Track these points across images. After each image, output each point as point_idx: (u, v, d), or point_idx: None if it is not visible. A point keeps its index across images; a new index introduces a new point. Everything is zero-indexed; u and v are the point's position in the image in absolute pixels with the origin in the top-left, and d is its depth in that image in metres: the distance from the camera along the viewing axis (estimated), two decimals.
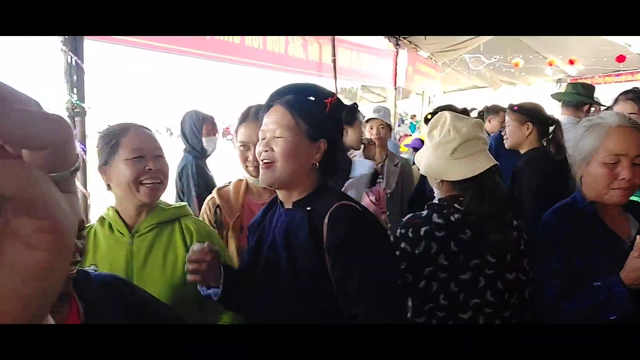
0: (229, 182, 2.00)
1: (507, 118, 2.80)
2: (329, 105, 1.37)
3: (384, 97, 8.26)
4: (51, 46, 2.21)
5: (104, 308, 1.16)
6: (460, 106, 3.33)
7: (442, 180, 1.66)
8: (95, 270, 1.24)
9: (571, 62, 10.09)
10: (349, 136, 2.79)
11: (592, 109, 3.88)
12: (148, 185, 1.53)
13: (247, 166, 1.85)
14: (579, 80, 8.99)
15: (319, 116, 1.35)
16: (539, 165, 2.56)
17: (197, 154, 3.33)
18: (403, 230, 1.63)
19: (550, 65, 10.23)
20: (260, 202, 1.90)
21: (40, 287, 0.38)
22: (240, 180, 1.96)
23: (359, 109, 1.63)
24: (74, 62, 2.20)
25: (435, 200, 1.69)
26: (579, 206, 1.55)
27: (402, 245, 1.59)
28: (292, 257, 1.29)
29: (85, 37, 2.27)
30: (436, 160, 1.66)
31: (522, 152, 2.75)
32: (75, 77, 2.23)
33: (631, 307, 1.33)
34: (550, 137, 2.74)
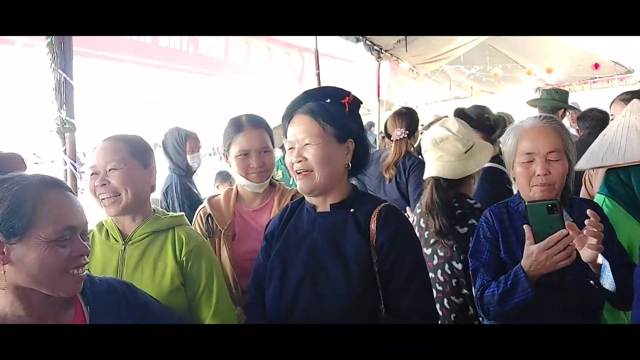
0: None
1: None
2: (348, 104, 1.44)
3: (368, 110, 8.34)
4: (42, 64, 2.25)
5: (108, 311, 1.20)
6: (442, 115, 3.38)
7: None
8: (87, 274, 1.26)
9: (549, 71, 10.33)
10: None
11: (567, 113, 3.99)
12: (103, 199, 1.55)
13: (248, 173, 1.88)
14: (556, 88, 9.21)
15: (342, 117, 1.41)
16: None
17: (182, 172, 3.31)
18: None
19: (529, 74, 10.46)
20: (250, 209, 1.96)
21: None
22: (231, 189, 2.01)
23: None
24: (63, 79, 2.24)
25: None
26: (512, 204, 1.67)
27: None
28: (340, 256, 1.37)
29: (74, 54, 2.30)
30: None
31: None
32: (64, 94, 2.27)
33: (531, 291, 1.44)
34: None
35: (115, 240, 1.61)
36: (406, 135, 3.03)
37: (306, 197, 1.48)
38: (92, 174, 1.56)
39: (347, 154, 1.43)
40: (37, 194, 1.07)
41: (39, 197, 1.06)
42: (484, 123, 2.90)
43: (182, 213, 1.75)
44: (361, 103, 1.51)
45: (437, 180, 2.06)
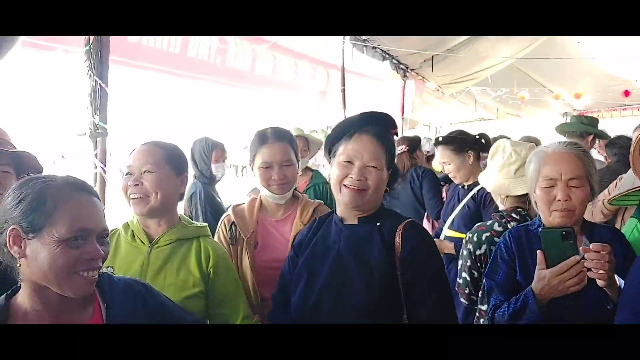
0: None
1: None
2: (393, 136, 1.55)
3: None
4: (78, 70, 2.33)
5: (126, 310, 1.22)
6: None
7: (507, 195, 2.10)
8: (112, 273, 1.28)
9: (577, 96, 10.20)
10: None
11: (597, 140, 3.92)
12: (132, 199, 1.62)
13: (269, 185, 1.93)
14: (585, 114, 9.12)
15: (393, 148, 1.53)
16: None
17: (206, 180, 3.39)
18: (470, 235, 2.06)
19: (557, 99, 10.34)
20: (273, 219, 1.99)
21: None
22: (255, 198, 2.05)
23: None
24: (98, 86, 2.32)
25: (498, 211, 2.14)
26: (532, 227, 1.69)
27: (469, 247, 2.04)
28: (363, 267, 1.43)
29: (110, 62, 2.38)
30: (502, 179, 2.11)
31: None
32: (99, 100, 2.34)
33: (539, 313, 1.46)
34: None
35: (142, 242, 1.67)
36: (406, 150, 3.77)
37: (339, 210, 1.55)
38: (127, 174, 1.63)
39: (387, 180, 1.53)
40: (58, 194, 1.10)
41: (59, 197, 1.10)
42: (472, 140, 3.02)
43: (206, 224, 1.79)
44: (398, 136, 1.61)
45: None
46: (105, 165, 2.35)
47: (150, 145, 1.67)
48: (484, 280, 1.73)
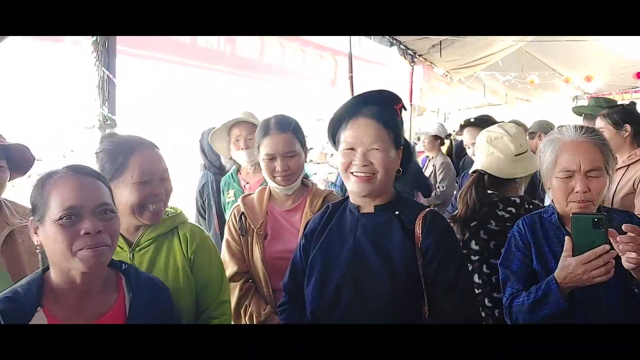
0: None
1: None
2: (399, 111, 1.46)
3: None
4: (86, 61, 2.33)
5: (147, 302, 1.28)
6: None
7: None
8: None
9: (588, 79, 10.05)
10: None
11: None
12: (152, 210, 1.53)
13: (274, 177, 1.92)
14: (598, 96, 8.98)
15: (398, 123, 1.44)
16: None
17: (216, 170, 3.36)
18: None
19: (567, 82, 10.21)
20: (283, 209, 1.99)
21: None
22: (264, 188, 2.04)
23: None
24: (106, 77, 2.32)
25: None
26: (545, 215, 1.65)
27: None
28: (384, 257, 1.39)
29: (117, 53, 2.38)
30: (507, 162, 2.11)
31: None
32: (107, 91, 2.35)
33: (563, 302, 1.42)
34: None
35: (121, 248, 1.56)
36: None
37: (352, 198, 1.49)
38: (145, 181, 1.52)
39: (398, 160, 1.45)
40: (53, 181, 1.19)
41: (54, 183, 1.18)
42: None
43: (180, 210, 1.71)
44: (406, 110, 1.52)
45: (481, 174, 2.08)
46: None
47: (156, 148, 1.60)
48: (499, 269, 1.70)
